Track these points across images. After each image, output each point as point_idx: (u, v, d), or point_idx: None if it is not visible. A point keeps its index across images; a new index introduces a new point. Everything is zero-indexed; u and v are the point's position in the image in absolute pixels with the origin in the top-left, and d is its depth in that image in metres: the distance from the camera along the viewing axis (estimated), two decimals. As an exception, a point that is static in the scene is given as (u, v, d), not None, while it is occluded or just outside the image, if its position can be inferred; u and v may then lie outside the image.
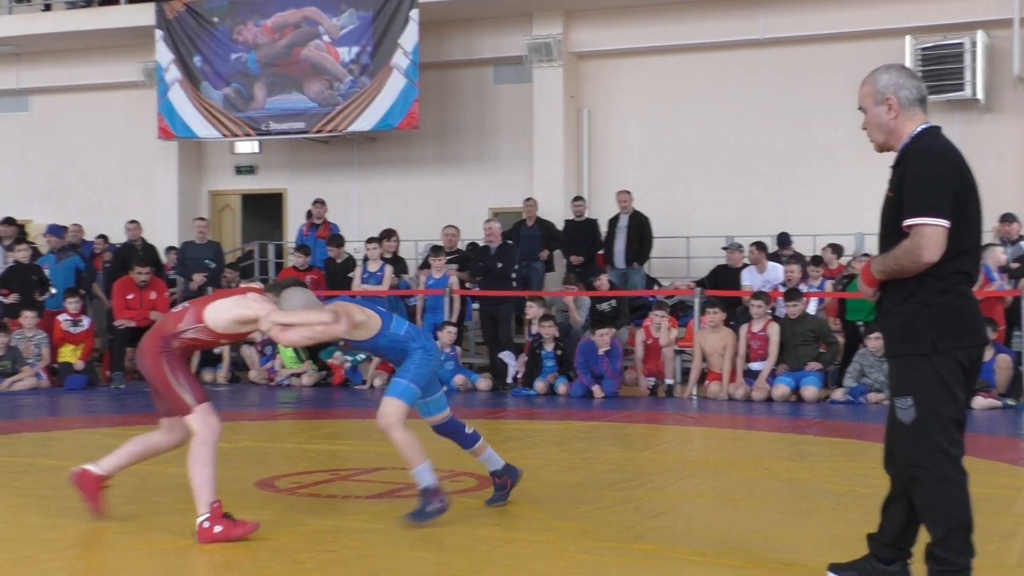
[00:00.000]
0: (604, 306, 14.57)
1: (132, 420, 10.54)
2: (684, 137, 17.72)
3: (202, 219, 16.87)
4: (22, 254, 15.21)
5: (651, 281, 16.31)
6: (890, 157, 4.57)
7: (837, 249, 15.13)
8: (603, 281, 14.57)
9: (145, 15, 18.84)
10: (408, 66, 17.32)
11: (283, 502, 6.71)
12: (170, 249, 17.26)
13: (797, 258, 14.95)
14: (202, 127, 18.65)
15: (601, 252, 16.03)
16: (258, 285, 6.14)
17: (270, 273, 19.44)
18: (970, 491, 4.38)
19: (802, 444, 9.45)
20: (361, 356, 14.48)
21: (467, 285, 15.08)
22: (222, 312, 5.82)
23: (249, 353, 15.04)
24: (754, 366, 12.99)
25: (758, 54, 17.28)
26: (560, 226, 16.44)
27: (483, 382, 13.97)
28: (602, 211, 16.67)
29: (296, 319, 5.76)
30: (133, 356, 15.31)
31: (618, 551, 5.44)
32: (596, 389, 13.05)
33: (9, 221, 16.85)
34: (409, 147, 19.00)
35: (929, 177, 4.33)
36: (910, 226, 4.30)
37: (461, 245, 16.38)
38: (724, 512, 6.57)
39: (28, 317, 14.52)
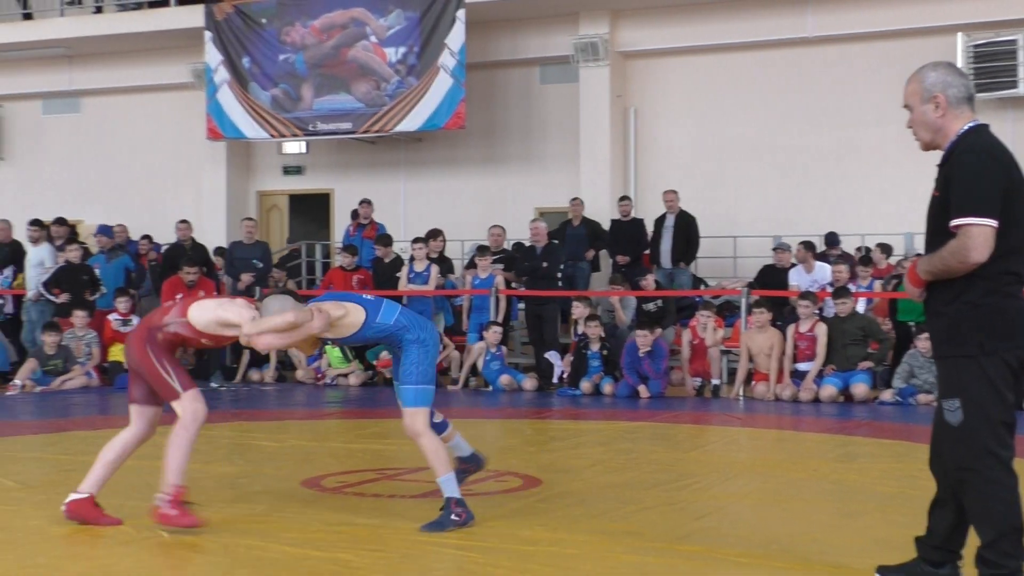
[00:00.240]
0: (650, 306, 14.53)
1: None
2: (731, 136, 17.64)
3: (250, 219, 16.98)
4: (73, 254, 15.36)
5: (697, 281, 16.24)
6: (938, 155, 4.52)
7: (886, 249, 15.00)
8: (649, 281, 14.52)
9: (194, 17, 19.00)
10: (455, 66, 17.35)
11: (329, 501, 6.74)
12: (219, 250, 17.38)
13: (845, 258, 14.84)
14: (250, 128, 18.78)
15: (647, 252, 15.98)
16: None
17: (317, 273, 19.56)
18: (1021, 494, 4.33)
19: (850, 445, 9.38)
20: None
21: (513, 285, 15.09)
22: (205, 311, 5.94)
23: (296, 353, 15.12)
24: (801, 366, 12.90)
25: (806, 52, 17.17)
26: (606, 226, 16.41)
27: (529, 382, 13.96)
28: (648, 211, 16.62)
29: (265, 325, 5.81)
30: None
31: (664, 552, 5.42)
32: (642, 389, 13.01)
33: (61, 221, 17.03)
34: (455, 147, 19.04)
35: (976, 176, 4.27)
36: (957, 226, 4.25)
37: (507, 245, 16.38)
38: (771, 513, 6.53)
39: (79, 316, 14.68)
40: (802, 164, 17.22)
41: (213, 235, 19.00)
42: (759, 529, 6.04)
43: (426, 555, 5.43)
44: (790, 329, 13.03)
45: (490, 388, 14.06)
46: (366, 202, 17.05)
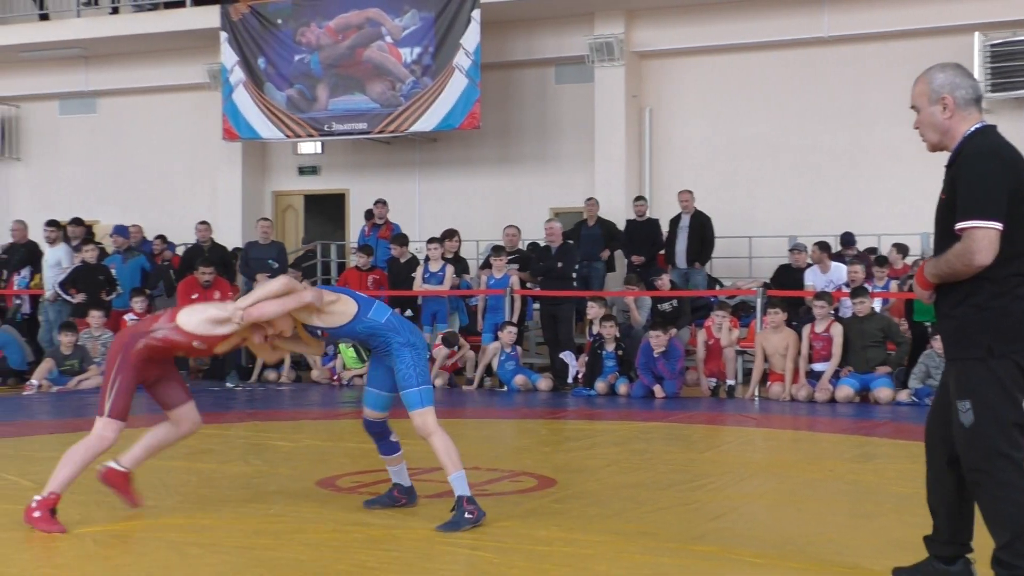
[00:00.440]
0: (665, 306, 14.52)
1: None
2: (747, 136, 17.61)
3: (266, 219, 17.01)
4: (89, 254, 15.41)
5: (713, 281, 16.22)
6: (946, 156, 4.52)
7: (902, 249, 14.97)
8: (664, 281, 14.51)
9: (210, 17, 19.04)
10: (470, 66, 17.36)
11: (344, 501, 6.75)
12: (235, 250, 17.42)
13: (861, 258, 14.80)
14: (266, 128, 18.82)
15: (662, 252, 15.96)
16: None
17: (332, 273, 19.58)
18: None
19: (866, 446, 9.35)
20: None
21: (528, 285, 15.09)
22: (195, 313, 6.06)
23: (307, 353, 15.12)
24: (817, 367, 12.86)
25: (822, 52, 17.12)
26: (621, 226, 16.39)
27: (544, 382, 13.96)
28: (663, 211, 16.60)
29: (257, 294, 5.96)
30: (207, 353, 15.48)
31: (679, 552, 5.42)
32: (657, 389, 13.00)
33: (77, 222, 17.09)
34: (470, 147, 19.04)
35: (981, 178, 4.26)
36: (962, 229, 4.25)
37: (522, 245, 16.38)
38: (786, 514, 6.51)
39: (95, 316, 14.73)
40: (817, 164, 17.18)
41: (229, 235, 19.04)
42: (774, 530, 6.02)
43: (440, 555, 5.44)
44: (806, 329, 12.99)
45: (505, 388, 14.06)
46: (381, 202, 17.06)
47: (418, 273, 15.11)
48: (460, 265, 15.59)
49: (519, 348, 14.43)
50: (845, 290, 13.61)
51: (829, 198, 17.00)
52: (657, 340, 13.05)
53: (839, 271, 14.28)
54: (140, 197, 20.84)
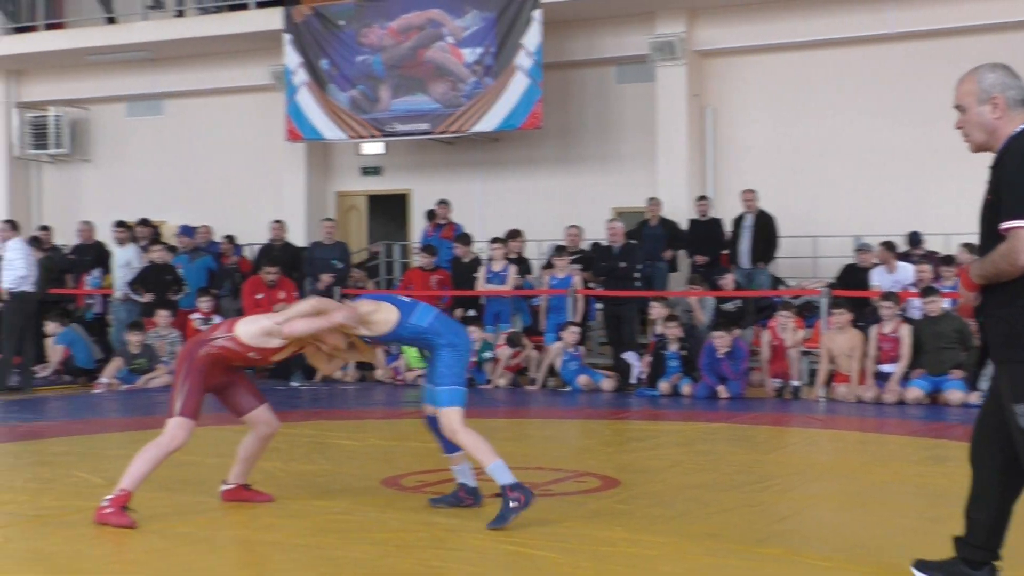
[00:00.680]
0: (729, 306, 14.43)
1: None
2: (810, 135, 17.45)
3: (329, 220, 17.12)
4: (157, 254, 15.60)
5: (777, 281, 16.09)
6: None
7: (974, 248, 14.75)
8: (728, 280, 14.42)
9: (274, 19, 19.20)
10: (531, 66, 17.36)
11: (409, 500, 6.77)
12: (302, 250, 17.56)
13: (929, 257, 14.61)
14: (329, 129, 18.95)
15: (726, 252, 15.86)
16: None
17: (395, 273, 19.68)
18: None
19: (936, 448, 9.23)
20: (486, 355, 14.65)
21: (590, 285, 15.06)
22: (252, 324, 6.23)
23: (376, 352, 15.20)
24: (885, 368, 12.72)
25: (887, 49, 16.92)
26: (684, 225, 16.32)
27: (607, 382, 13.93)
28: (727, 210, 16.49)
29: (291, 312, 6.12)
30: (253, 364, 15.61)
31: (743, 554, 5.38)
32: (721, 390, 12.92)
33: (144, 222, 17.30)
34: (532, 147, 19.04)
35: None
36: (1006, 229, 4.21)
37: (584, 245, 16.36)
38: (853, 517, 6.45)
39: (162, 316, 14.91)
40: (883, 162, 16.99)
41: (293, 236, 19.14)
42: (841, 533, 5.97)
43: (504, 555, 5.44)
44: (872, 330, 12.85)
45: (568, 388, 14.04)
46: (443, 202, 17.11)
47: (481, 273, 15.14)
48: (523, 265, 15.59)
49: (582, 348, 14.41)
50: (912, 290, 13.45)
51: (895, 197, 16.80)
52: (721, 340, 12.98)
53: (906, 271, 14.11)
54: (206, 198, 21.07)
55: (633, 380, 13.93)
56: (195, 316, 15.06)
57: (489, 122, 17.82)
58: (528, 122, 17.53)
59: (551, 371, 14.34)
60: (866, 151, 17.12)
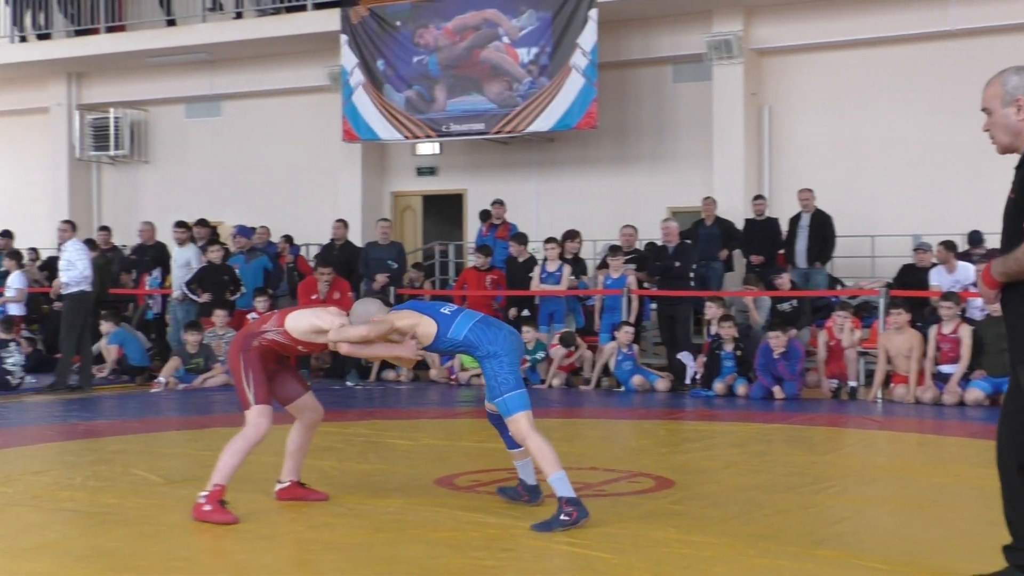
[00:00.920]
0: (785, 306, 14.33)
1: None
2: (869, 133, 17.28)
3: (385, 220, 17.19)
4: (215, 255, 15.74)
5: (834, 281, 15.95)
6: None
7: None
8: (784, 280, 14.32)
9: (331, 20, 19.32)
10: (587, 66, 17.33)
11: (462, 499, 6.78)
12: (359, 250, 17.63)
13: (989, 257, 14.39)
14: (385, 129, 19.03)
15: (782, 251, 15.76)
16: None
17: (450, 273, 19.73)
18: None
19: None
20: (540, 355, 14.65)
21: (645, 285, 15.02)
22: (302, 319, 6.30)
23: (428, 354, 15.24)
24: (944, 369, 12.57)
25: (948, 46, 16.71)
26: (740, 225, 16.22)
27: (662, 383, 13.88)
28: (783, 210, 16.38)
29: (344, 335, 6.14)
30: (318, 355, 15.74)
31: (799, 556, 5.34)
32: (776, 391, 12.84)
33: (203, 223, 17.46)
34: (587, 147, 19.02)
35: None
36: None
37: (639, 245, 16.30)
38: (911, 519, 6.38)
39: (219, 316, 15.04)
40: (942, 161, 16.78)
41: (349, 236, 19.28)
42: (898, 535, 5.91)
43: (558, 556, 5.44)
44: (932, 331, 12.70)
45: (622, 388, 14.01)
46: (498, 202, 17.13)
47: (535, 273, 15.13)
48: (579, 266, 15.57)
49: (636, 348, 14.37)
50: (973, 290, 13.28)
51: (955, 196, 16.59)
52: (777, 341, 12.89)
53: (966, 271, 13.93)
54: (263, 198, 21.23)
55: (688, 380, 13.87)
56: (252, 316, 15.14)
57: (544, 122, 17.82)
58: (583, 122, 17.50)
59: (605, 371, 14.31)
60: (925, 149, 16.91)
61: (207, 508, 6.06)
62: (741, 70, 17.40)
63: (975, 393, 12.16)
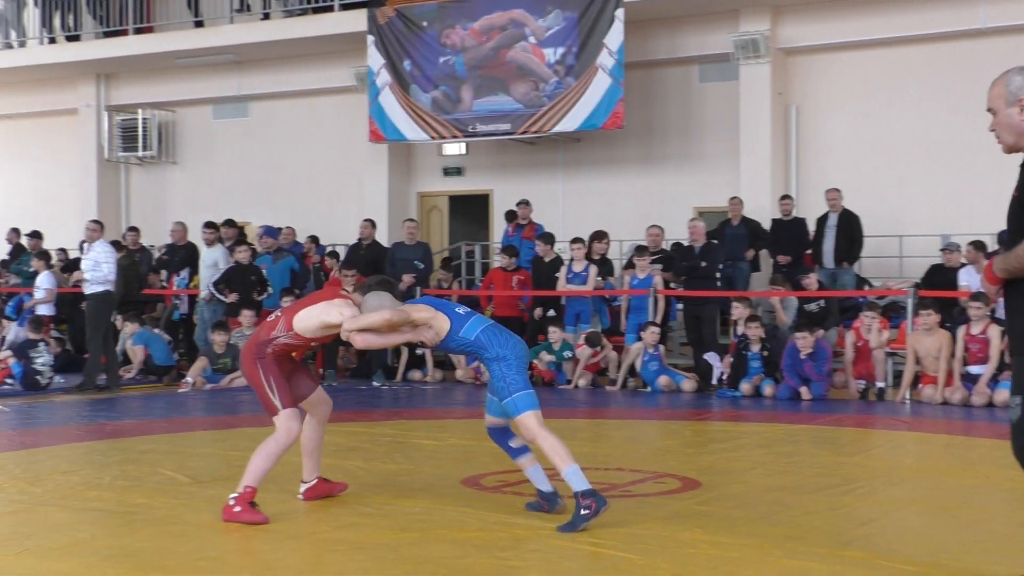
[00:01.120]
0: (812, 306, 14.27)
1: (345, 416, 10.82)
2: (897, 133, 17.19)
3: (412, 220, 17.21)
4: (243, 255, 15.79)
5: (861, 281, 15.88)
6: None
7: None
8: (812, 280, 14.26)
9: (358, 21, 19.36)
10: (613, 66, 17.31)
11: (489, 500, 6.79)
12: (386, 251, 17.66)
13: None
14: (411, 130, 19.06)
15: (809, 252, 15.70)
16: (348, 289, 6.54)
17: (476, 273, 19.73)
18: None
19: (1024, 452, 9.03)
20: (566, 355, 14.64)
21: (671, 285, 14.98)
22: (310, 319, 6.32)
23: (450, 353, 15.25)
24: (973, 370, 12.49)
25: (978, 45, 16.57)
26: (767, 225, 16.17)
27: (688, 383, 13.85)
28: (810, 210, 16.31)
29: (362, 322, 6.15)
30: (345, 355, 15.79)
31: (826, 558, 5.32)
32: (804, 391, 12.78)
33: (230, 223, 17.52)
34: (613, 147, 18.99)
35: None
36: None
37: (665, 245, 16.27)
38: (939, 521, 6.34)
39: (247, 316, 15.08)
40: (972, 161, 16.65)
41: (376, 236, 19.31)
42: (926, 537, 5.88)
43: (584, 556, 5.43)
44: (960, 331, 12.63)
45: (648, 389, 13.98)
46: (524, 203, 17.12)
47: (562, 273, 15.12)
48: (605, 267, 15.54)
49: (662, 348, 14.34)
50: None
51: (984, 196, 16.43)
52: (804, 341, 12.84)
53: (996, 271, 13.81)
54: (290, 199, 21.30)
55: (714, 381, 13.83)
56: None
57: (571, 122, 17.80)
58: (610, 122, 17.48)
59: (631, 371, 14.29)
60: (954, 149, 16.80)
61: (237, 509, 6.10)
62: (768, 69, 17.33)
63: (1004, 394, 12.07)
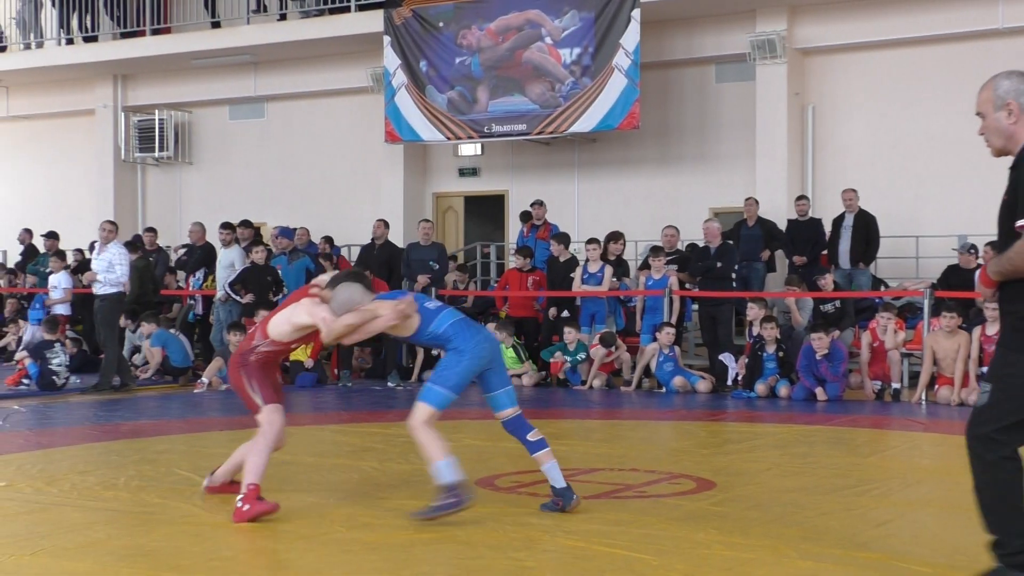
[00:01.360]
0: (828, 307, 14.23)
1: (360, 417, 10.83)
2: (914, 133, 17.13)
3: (427, 221, 17.22)
4: (259, 256, 15.82)
5: (877, 282, 15.83)
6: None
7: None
8: (827, 281, 14.22)
9: (374, 22, 19.38)
10: (629, 66, 17.30)
11: (503, 500, 6.79)
12: (400, 251, 17.67)
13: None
14: (427, 130, 19.07)
15: (825, 252, 15.66)
16: (319, 287, 6.51)
17: (492, 274, 19.74)
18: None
19: (1041, 453, 9.00)
20: (581, 356, 14.63)
21: (687, 286, 14.96)
22: (282, 324, 6.46)
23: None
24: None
25: (996, 45, 16.50)
26: (783, 225, 16.13)
27: (703, 384, 13.83)
28: (826, 210, 16.28)
29: (336, 330, 6.27)
30: (360, 355, 15.80)
31: (842, 559, 5.31)
32: (819, 392, 12.75)
33: (246, 224, 17.56)
34: (629, 148, 18.97)
35: None
36: (1021, 227, 4.38)
37: (681, 245, 16.25)
38: (955, 522, 6.31)
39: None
40: (989, 162, 16.39)
41: (391, 236, 19.30)
42: (942, 538, 5.86)
43: (598, 557, 5.43)
44: (976, 331, 12.58)
45: (663, 390, 13.97)
46: (539, 203, 17.11)
47: (577, 274, 15.11)
48: (621, 268, 15.53)
49: (677, 349, 14.32)
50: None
51: (1000, 196, 16.39)
52: (819, 342, 12.81)
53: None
54: (306, 199, 21.35)
55: (729, 382, 13.81)
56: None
57: (586, 123, 17.80)
58: (626, 122, 17.46)
59: (646, 372, 14.27)
60: (971, 149, 16.59)
61: (246, 508, 6.11)
62: (784, 70, 17.29)
63: (1022, 395, 12.01)
